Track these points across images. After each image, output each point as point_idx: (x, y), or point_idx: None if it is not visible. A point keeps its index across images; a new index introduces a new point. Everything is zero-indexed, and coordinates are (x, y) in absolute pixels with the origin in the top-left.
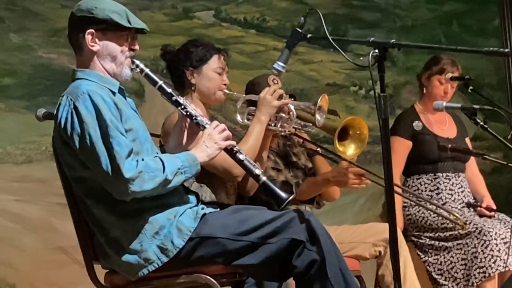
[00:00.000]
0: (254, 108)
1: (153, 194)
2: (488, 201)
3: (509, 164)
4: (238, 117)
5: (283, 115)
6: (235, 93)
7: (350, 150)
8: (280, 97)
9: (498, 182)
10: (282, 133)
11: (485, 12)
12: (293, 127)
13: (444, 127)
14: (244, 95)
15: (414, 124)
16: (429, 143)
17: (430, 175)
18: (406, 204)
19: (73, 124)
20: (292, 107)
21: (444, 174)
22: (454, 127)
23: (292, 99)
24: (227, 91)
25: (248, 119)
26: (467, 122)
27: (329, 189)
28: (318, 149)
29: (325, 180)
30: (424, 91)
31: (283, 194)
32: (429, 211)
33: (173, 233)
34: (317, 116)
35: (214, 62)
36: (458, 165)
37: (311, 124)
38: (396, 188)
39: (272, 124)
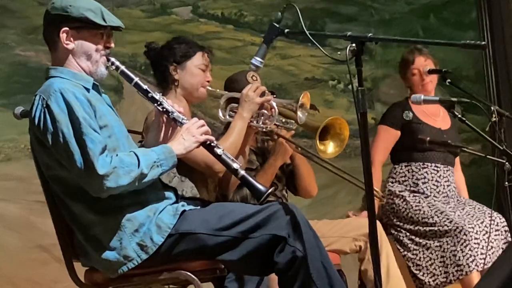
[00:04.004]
0: (236, 105)
1: (130, 189)
2: None
3: (488, 156)
4: (220, 114)
5: (265, 112)
6: (218, 90)
7: (330, 148)
8: (263, 94)
9: (476, 174)
10: (264, 130)
11: (462, 4)
12: (275, 124)
13: (437, 118)
14: (227, 92)
15: (404, 113)
16: (421, 132)
17: (419, 163)
18: (390, 192)
19: (46, 123)
20: (274, 104)
21: (433, 165)
22: (448, 119)
23: (274, 96)
24: (210, 88)
25: (230, 116)
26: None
27: (305, 185)
28: (298, 148)
29: (272, 163)
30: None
31: (262, 188)
32: (410, 204)
33: (152, 230)
34: (299, 114)
35: (198, 59)
36: (448, 157)
37: (293, 122)
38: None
39: (254, 121)
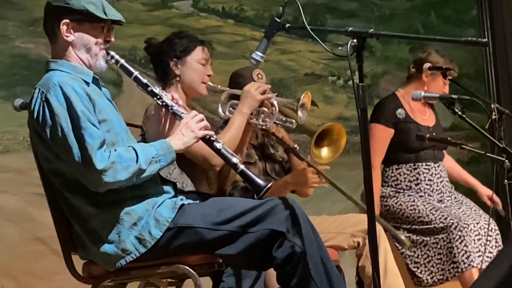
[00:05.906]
0: (236, 102)
1: (128, 184)
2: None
3: (487, 154)
4: (220, 110)
5: (265, 109)
6: (219, 86)
7: (324, 153)
8: (264, 92)
9: (475, 171)
10: (263, 127)
11: (462, 2)
12: (275, 122)
13: (424, 116)
14: (228, 89)
15: (397, 112)
16: (412, 132)
17: (410, 165)
18: (384, 195)
19: (44, 117)
20: (275, 102)
21: (424, 164)
22: (433, 116)
23: (276, 95)
24: (211, 83)
25: (230, 112)
26: (445, 111)
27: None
28: (296, 146)
29: (285, 183)
30: (422, 83)
31: (261, 182)
32: (405, 204)
33: (150, 223)
34: (299, 113)
35: (198, 54)
36: (438, 154)
37: (293, 121)
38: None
39: (254, 118)
